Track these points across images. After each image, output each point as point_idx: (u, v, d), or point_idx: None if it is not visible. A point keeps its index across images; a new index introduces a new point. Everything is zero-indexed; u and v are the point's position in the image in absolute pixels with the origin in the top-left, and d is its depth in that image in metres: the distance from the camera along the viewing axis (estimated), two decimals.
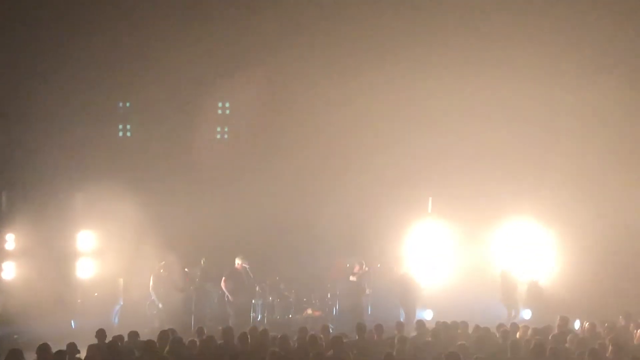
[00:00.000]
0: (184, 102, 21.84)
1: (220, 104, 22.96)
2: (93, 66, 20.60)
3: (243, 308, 18.24)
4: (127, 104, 22.54)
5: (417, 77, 20.58)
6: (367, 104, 21.26)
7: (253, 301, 18.95)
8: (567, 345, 12.47)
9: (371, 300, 19.60)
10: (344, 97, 21.21)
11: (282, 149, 21.30)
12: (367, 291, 19.11)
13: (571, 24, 20.39)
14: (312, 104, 21.38)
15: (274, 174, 20.55)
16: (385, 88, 21.05)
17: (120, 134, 22.54)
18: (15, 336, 16.60)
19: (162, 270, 18.24)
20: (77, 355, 11.92)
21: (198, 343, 12.53)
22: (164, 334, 12.50)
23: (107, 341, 12.67)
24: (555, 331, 13.55)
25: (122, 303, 18.56)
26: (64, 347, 11.71)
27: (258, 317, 19.12)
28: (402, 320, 16.75)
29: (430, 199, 20.74)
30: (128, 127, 22.64)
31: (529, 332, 13.64)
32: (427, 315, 18.74)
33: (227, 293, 18.09)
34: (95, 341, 12.81)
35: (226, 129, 23.04)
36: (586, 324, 14.10)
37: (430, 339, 12.95)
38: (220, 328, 14.03)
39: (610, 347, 11.68)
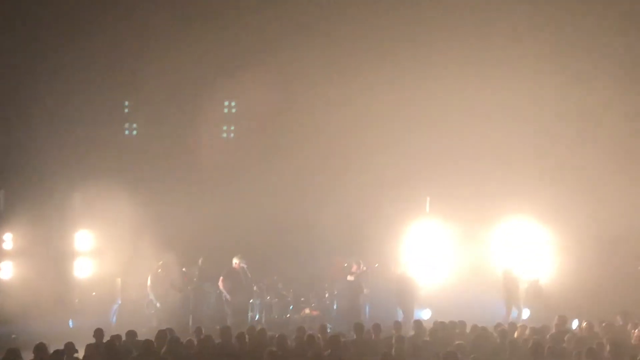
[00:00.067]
0: (190, 101, 21.86)
1: (226, 103, 23.01)
2: (98, 65, 20.62)
3: (241, 308, 18.27)
4: (132, 103, 22.58)
5: (417, 78, 20.60)
6: (366, 104, 21.29)
7: (251, 301, 18.97)
8: (564, 344, 12.48)
9: (369, 300, 19.60)
10: (344, 97, 21.25)
11: (283, 149, 21.32)
12: (365, 291, 19.11)
13: (571, 26, 20.41)
14: (313, 104, 21.41)
15: (275, 173, 20.59)
16: (384, 89, 21.07)
17: (127, 132, 22.58)
18: (13, 336, 16.60)
19: (160, 270, 18.26)
20: (75, 355, 11.94)
21: (196, 342, 12.54)
22: (161, 334, 12.52)
23: (105, 341, 12.66)
24: (553, 330, 13.56)
25: (120, 302, 18.53)
26: (61, 347, 11.73)
27: (256, 317, 19.12)
28: (399, 319, 16.74)
29: (428, 198, 20.74)
30: (134, 125, 22.70)
31: (527, 331, 13.64)
32: (425, 314, 18.73)
33: (225, 293, 18.12)
34: (93, 341, 12.80)
35: (232, 128, 23.11)
36: (584, 324, 14.08)
37: (428, 338, 12.96)
38: (218, 327, 14.06)
39: (607, 347, 11.69)
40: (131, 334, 12.99)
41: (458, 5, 20.95)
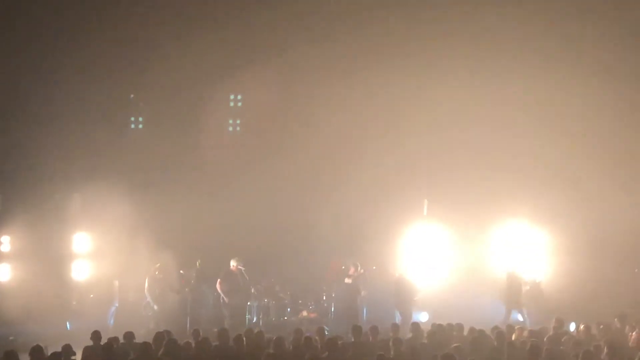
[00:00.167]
0: (195, 95, 21.88)
1: (232, 97, 23.04)
2: (104, 59, 20.56)
3: (238, 310, 18.27)
4: (138, 97, 22.65)
5: (417, 81, 20.68)
6: (366, 105, 21.34)
7: (248, 303, 18.96)
8: (562, 347, 12.49)
9: (367, 302, 19.60)
10: (343, 100, 21.32)
11: (283, 149, 21.35)
12: (363, 293, 19.11)
13: (569, 29, 20.43)
14: (313, 104, 21.45)
15: (275, 173, 20.59)
16: (383, 92, 21.14)
17: (133, 126, 22.59)
18: (11, 338, 16.60)
19: (157, 272, 18.25)
20: (73, 357, 11.95)
21: (193, 345, 12.52)
22: (159, 336, 12.54)
23: (102, 343, 12.65)
24: (551, 333, 13.56)
25: (117, 305, 18.52)
26: (59, 349, 11.73)
27: (253, 319, 19.11)
28: (397, 322, 16.74)
29: (425, 201, 20.76)
30: (140, 119, 22.72)
31: (525, 333, 13.67)
32: (422, 317, 18.73)
33: (222, 295, 18.12)
34: (90, 343, 12.77)
35: (238, 122, 23.14)
36: (581, 326, 14.09)
37: (425, 341, 12.97)
38: (215, 330, 14.06)
39: (605, 349, 11.69)
40: (129, 336, 12.97)
41: (458, 8, 20.98)
